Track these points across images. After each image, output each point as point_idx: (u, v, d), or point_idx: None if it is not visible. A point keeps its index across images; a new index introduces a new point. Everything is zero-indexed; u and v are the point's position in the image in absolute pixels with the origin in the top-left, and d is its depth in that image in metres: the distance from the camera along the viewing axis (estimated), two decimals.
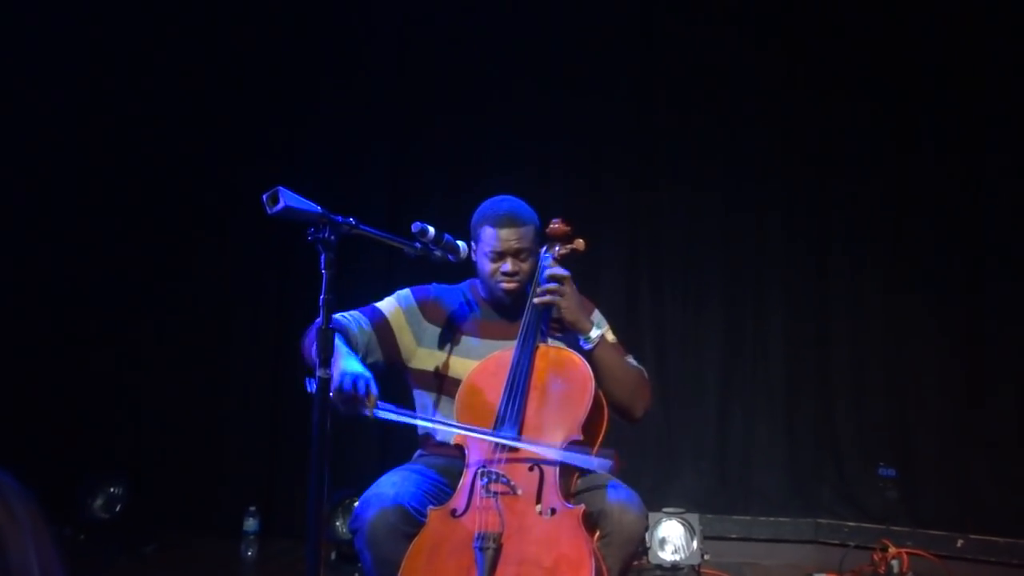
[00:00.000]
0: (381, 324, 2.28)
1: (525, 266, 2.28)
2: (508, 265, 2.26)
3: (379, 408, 1.92)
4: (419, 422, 2.15)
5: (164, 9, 4.35)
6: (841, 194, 4.05)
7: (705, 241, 4.17)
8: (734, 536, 3.93)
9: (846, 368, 3.99)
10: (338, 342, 2.06)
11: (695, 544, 3.49)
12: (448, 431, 2.16)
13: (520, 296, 2.31)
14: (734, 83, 4.13)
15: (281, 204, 1.70)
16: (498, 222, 2.26)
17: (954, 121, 3.87)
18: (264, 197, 1.72)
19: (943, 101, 3.88)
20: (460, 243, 2.24)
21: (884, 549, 3.53)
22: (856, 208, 4.03)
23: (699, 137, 4.17)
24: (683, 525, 3.51)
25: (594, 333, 2.22)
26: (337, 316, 2.19)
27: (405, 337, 2.31)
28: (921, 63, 3.91)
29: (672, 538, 3.51)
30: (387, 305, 2.34)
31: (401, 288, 2.40)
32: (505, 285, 2.27)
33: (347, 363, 1.98)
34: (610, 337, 2.29)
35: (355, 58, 4.36)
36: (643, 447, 4.04)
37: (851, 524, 3.83)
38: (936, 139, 3.91)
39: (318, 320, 1.77)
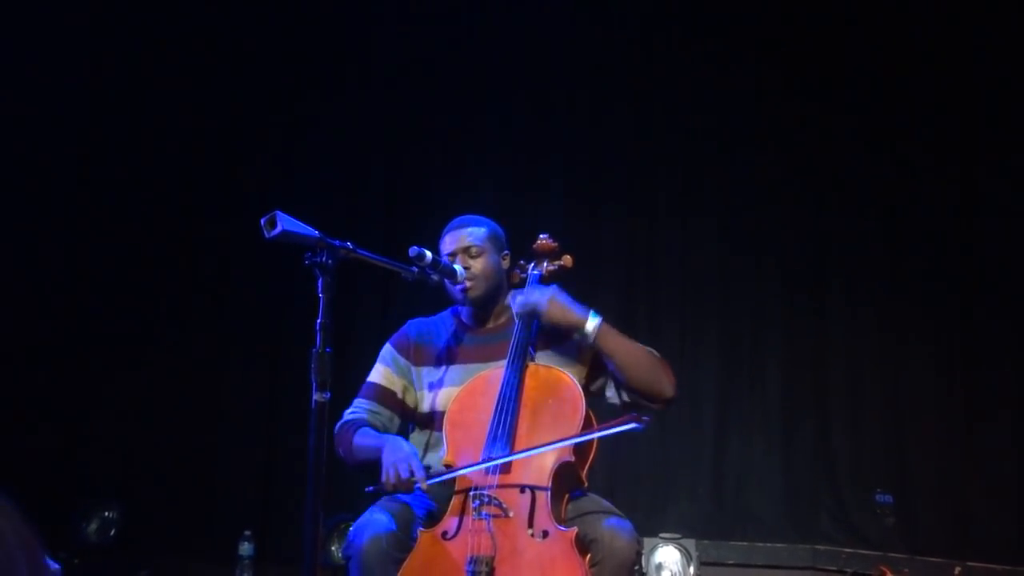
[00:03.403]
0: (382, 394, 2.33)
1: (476, 263, 2.30)
2: (459, 262, 2.29)
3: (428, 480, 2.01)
4: (459, 472, 2.07)
5: (162, 33, 4.41)
6: (837, 223, 4.08)
7: (702, 268, 4.18)
8: (731, 562, 3.91)
9: (842, 394, 3.99)
10: (372, 433, 2.21)
11: (692, 570, 3.47)
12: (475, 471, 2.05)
13: (504, 314, 2.36)
14: (733, 111, 4.17)
15: (279, 228, 1.72)
16: (448, 229, 2.37)
17: (949, 154, 3.89)
18: (262, 221, 1.73)
19: (938, 138, 3.91)
20: (457, 267, 2.27)
21: None
22: (851, 236, 4.04)
23: (696, 169, 4.21)
24: (680, 551, 3.50)
25: (590, 325, 2.13)
26: (347, 416, 2.28)
27: (405, 391, 2.35)
28: (916, 91, 3.95)
29: (669, 564, 3.49)
30: (377, 374, 2.37)
31: (383, 345, 2.42)
32: (463, 285, 2.29)
33: (389, 453, 2.05)
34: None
35: (353, 79, 4.42)
36: (639, 472, 4.03)
37: (848, 550, 3.81)
38: (931, 171, 3.93)
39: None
